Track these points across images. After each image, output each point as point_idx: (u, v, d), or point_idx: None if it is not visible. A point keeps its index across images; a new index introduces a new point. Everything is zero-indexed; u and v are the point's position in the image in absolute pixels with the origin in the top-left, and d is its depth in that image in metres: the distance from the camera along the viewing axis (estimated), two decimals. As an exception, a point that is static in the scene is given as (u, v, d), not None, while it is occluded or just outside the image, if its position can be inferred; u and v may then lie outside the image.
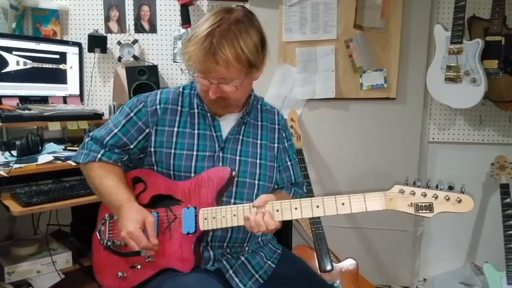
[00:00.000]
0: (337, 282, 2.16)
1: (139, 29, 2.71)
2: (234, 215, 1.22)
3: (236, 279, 1.31)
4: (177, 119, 1.37)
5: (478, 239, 2.66)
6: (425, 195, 1.05)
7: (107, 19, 2.70)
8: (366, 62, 2.56)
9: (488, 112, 2.55)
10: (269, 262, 1.40)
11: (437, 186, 1.06)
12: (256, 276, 1.35)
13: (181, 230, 1.25)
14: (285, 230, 2.35)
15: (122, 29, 2.71)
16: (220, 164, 1.35)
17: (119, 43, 2.66)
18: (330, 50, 2.58)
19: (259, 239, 1.44)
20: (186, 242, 1.25)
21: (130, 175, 1.39)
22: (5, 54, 2.25)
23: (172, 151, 1.34)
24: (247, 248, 1.39)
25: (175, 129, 1.36)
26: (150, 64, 2.65)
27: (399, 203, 1.07)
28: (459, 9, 2.25)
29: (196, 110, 1.39)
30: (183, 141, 1.35)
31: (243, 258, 1.36)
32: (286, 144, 1.50)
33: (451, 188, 1.05)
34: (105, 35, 2.68)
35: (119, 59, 2.65)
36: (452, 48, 2.28)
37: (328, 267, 2.19)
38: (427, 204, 1.04)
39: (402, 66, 2.55)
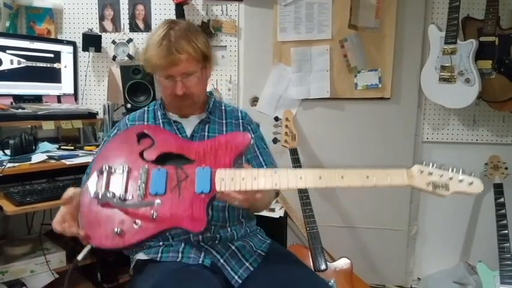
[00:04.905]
0: (332, 281, 2.16)
1: (134, 28, 2.70)
2: (255, 178, 1.16)
3: (228, 268, 1.37)
4: None
5: (472, 239, 2.68)
6: (442, 176, 1.15)
7: (102, 18, 2.69)
8: (361, 62, 2.56)
9: (482, 112, 2.56)
10: (259, 251, 1.45)
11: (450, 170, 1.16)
12: (247, 264, 1.39)
13: (194, 189, 1.19)
14: (279, 229, 2.35)
15: (117, 28, 2.70)
16: None
17: (113, 42, 2.65)
18: (325, 50, 2.58)
19: (244, 226, 1.50)
20: (198, 201, 1.19)
21: (134, 130, 1.35)
22: (-1, 53, 2.24)
23: None
24: (234, 232, 1.45)
25: None
26: (145, 63, 2.64)
27: (419, 181, 1.15)
28: (453, 10, 2.26)
29: (161, 120, 1.52)
30: None
31: (233, 247, 1.41)
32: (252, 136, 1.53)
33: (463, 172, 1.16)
34: (99, 34, 2.67)
35: (114, 58, 2.65)
36: (446, 49, 2.29)
37: (323, 267, 2.19)
38: (443, 183, 1.14)
39: (396, 66, 2.55)
